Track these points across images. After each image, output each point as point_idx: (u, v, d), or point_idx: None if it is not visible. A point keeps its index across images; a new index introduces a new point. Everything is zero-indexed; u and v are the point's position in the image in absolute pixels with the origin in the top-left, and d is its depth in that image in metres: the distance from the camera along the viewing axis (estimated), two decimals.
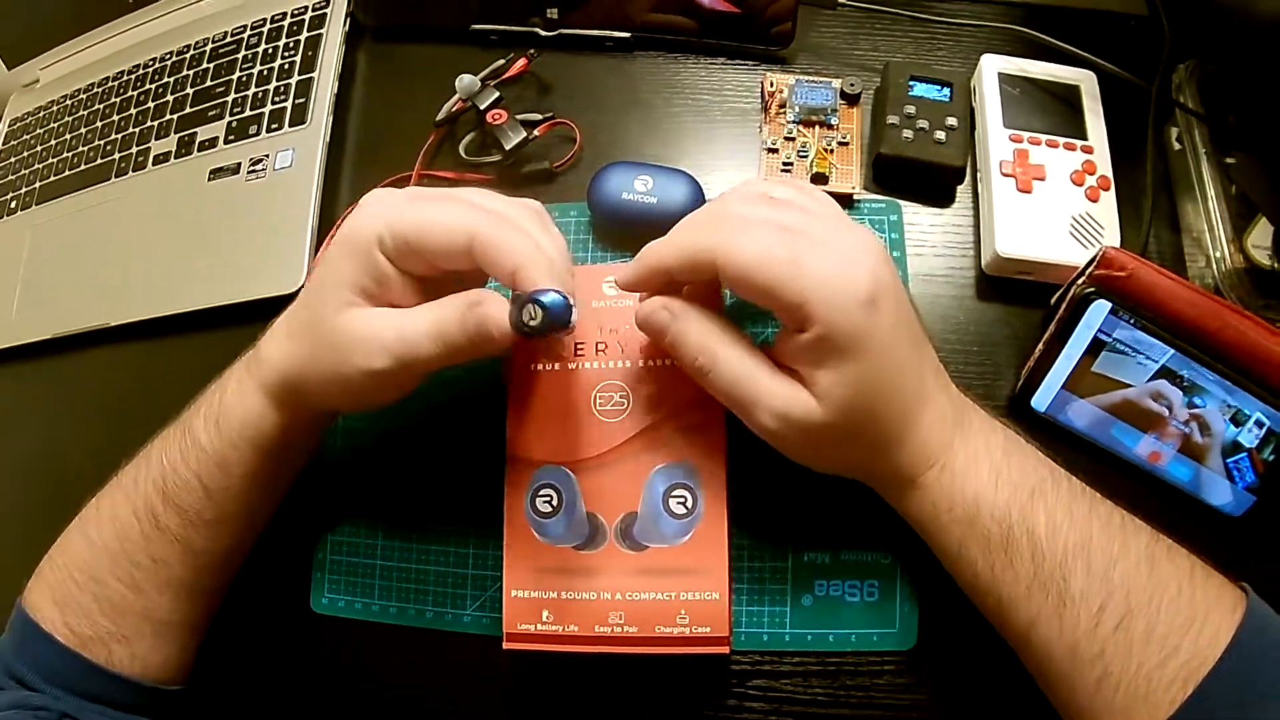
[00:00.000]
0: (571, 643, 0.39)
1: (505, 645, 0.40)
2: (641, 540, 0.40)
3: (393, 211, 0.36)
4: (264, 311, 0.51)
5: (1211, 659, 0.32)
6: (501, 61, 0.54)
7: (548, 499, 0.41)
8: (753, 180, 0.40)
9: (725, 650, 0.39)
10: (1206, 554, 0.36)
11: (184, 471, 0.40)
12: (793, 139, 0.50)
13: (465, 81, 0.51)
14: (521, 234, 0.35)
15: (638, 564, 0.39)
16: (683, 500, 0.40)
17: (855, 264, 0.34)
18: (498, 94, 0.52)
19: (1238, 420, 0.44)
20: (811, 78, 0.52)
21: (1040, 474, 0.37)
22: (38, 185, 0.64)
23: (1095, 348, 0.44)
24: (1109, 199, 0.48)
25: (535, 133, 0.51)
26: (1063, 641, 0.34)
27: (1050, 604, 0.34)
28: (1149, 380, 0.44)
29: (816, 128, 0.51)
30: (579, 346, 0.42)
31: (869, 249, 0.35)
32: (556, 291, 0.34)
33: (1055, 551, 0.34)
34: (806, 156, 0.50)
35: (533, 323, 0.34)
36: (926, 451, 0.37)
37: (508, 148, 0.50)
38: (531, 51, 0.54)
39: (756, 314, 0.46)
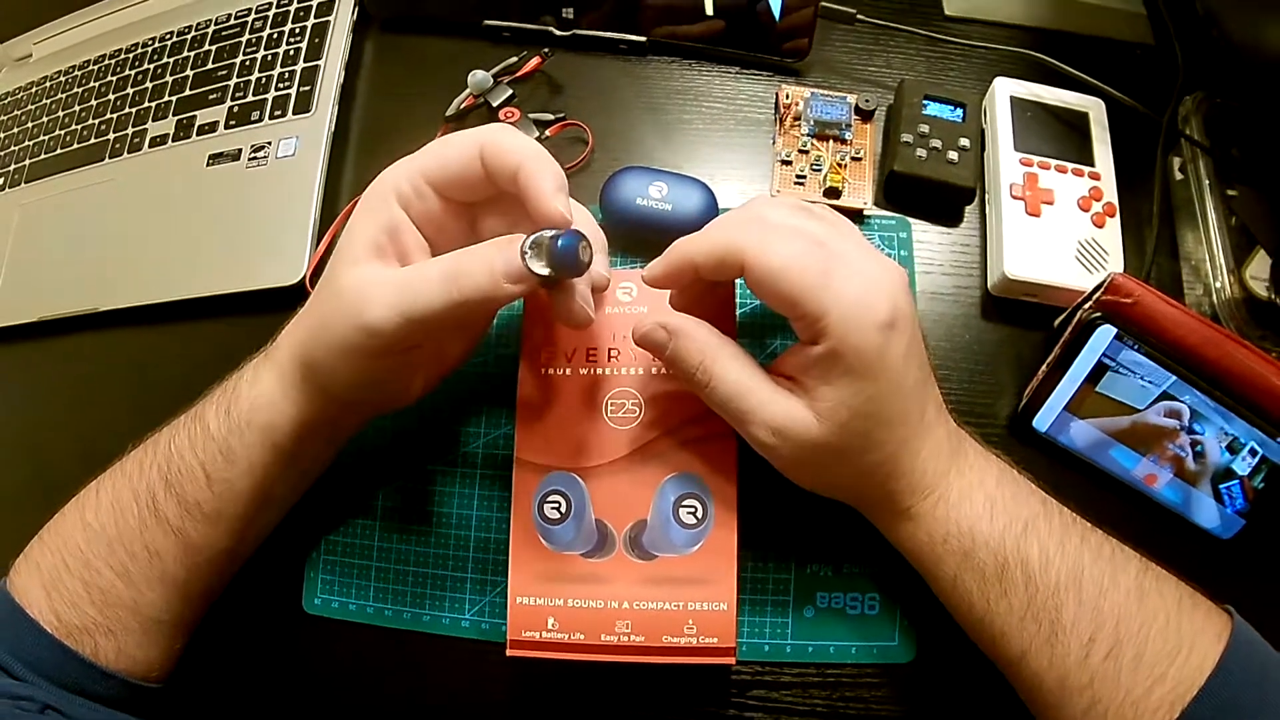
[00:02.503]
0: (577, 651, 0.39)
1: (509, 652, 0.39)
2: (650, 549, 0.39)
3: (408, 160, 0.37)
4: (260, 304, 0.50)
5: (1197, 685, 0.32)
6: (514, 59, 0.53)
7: (556, 505, 0.40)
8: (785, 197, 0.40)
9: (732, 661, 0.39)
10: (1195, 574, 0.37)
11: (189, 458, 0.39)
12: (806, 152, 0.50)
13: (478, 77, 0.51)
14: (527, 141, 0.36)
15: (646, 573, 0.39)
16: (693, 510, 0.40)
17: (880, 289, 0.34)
18: (511, 92, 0.51)
19: (1233, 448, 0.44)
20: (827, 91, 0.52)
21: (1033, 506, 0.37)
22: (27, 163, 0.62)
23: (1098, 371, 0.45)
24: (1114, 225, 0.49)
25: (547, 133, 0.51)
26: (1053, 672, 0.34)
27: (1042, 635, 0.35)
28: (1150, 405, 0.44)
29: (830, 142, 0.51)
30: (591, 352, 0.42)
31: (894, 278, 0.35)
32: (574, 233, 0.34)
33: (1048, 583, 0.35)
34: (820, 170, 0.50)
35: (548, 258, 0.34)
36: (923, 482, 0.37)
37: None
38: (545, 50, 0.53)
39: (769, 325, 0.46)
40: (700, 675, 0.44)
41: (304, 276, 0.50)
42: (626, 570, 0.39)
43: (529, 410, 0.42)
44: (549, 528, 0.40)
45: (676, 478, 0.40)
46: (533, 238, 0.34)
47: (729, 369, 0.36)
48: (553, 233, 0.34)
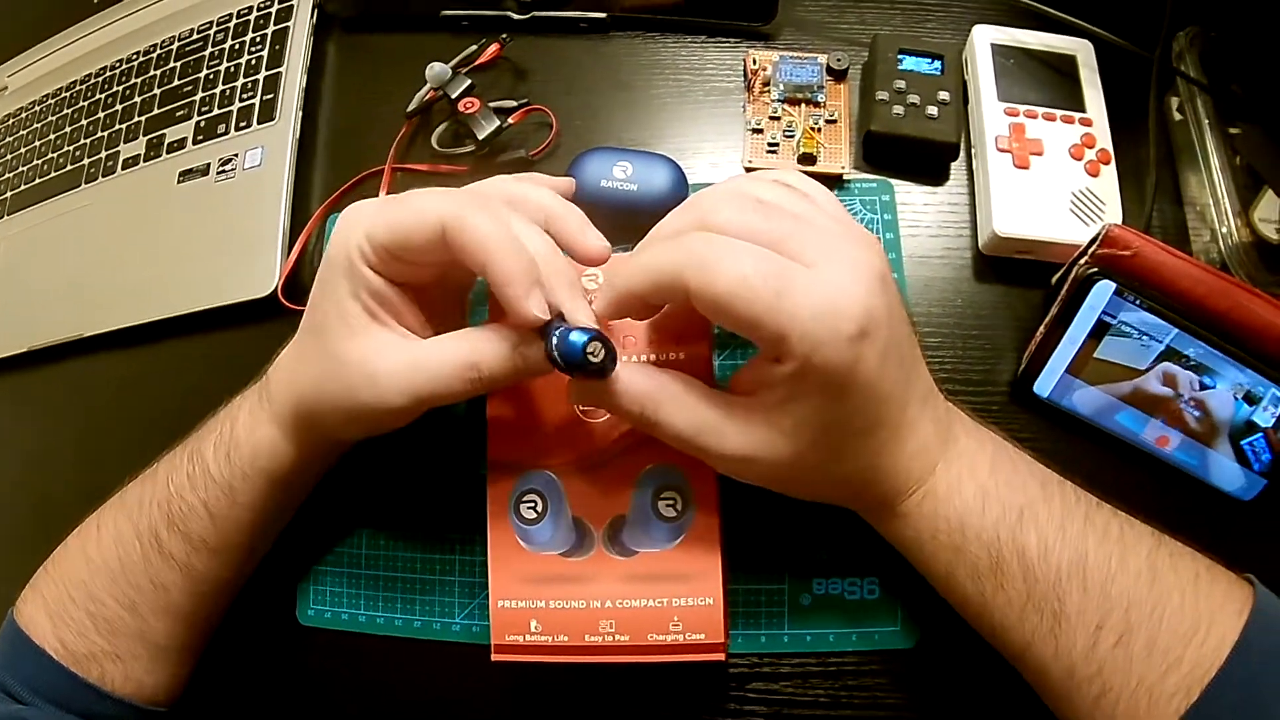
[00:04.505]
0: (562, 653, 0.38)
1: (494, 657, 0.38)
2: (630, 545, 0.38)
3: (366, 219, 0.34)
4: (239, 316, 0.50)
5: (1215, 666, 0.30)
6: (473, 48, 0.51)
7: (532, 505, 0.39)
8: (740, 177, 0.36)
9: (721, 657, 0.37)
10: (1216, 541, 0.35)
11: (191, 498, 0.39)
12: (778, 118, 0.48)
13: (436, 70, 0.49)
14: (494, 220, 0.32)
15: (627, 570, 0.38)
16: (672, 502, 0.38)
17: (845, 292, 0.30)
18: (469, 82, 0.50)
19: (1251, 399, 0.42)
20: (796, 54, 0.50)
21: (1030, 490, 0.35)
22: (9, 195, 0.62)
23: (1099, 330, 0.42)
24: (1110, 173, 0.47)
25: (510, 120, 0.49)
26: (1059, 662, 0.33)
27: (1045, 626, 0.33)
28: (1154, 361, 0.42)
29: (803, 106, 0.49)
30: None
31: (866, 268, 0.31)
32: (585, 330, 0.31)
33: (1049, 572, 0.33)
34: (793, 136, 0.48)
35: (570, 357, 0.31)
36: (908, 479, 0.35)
37: (481, 137, 0.49)
38: (504, 36, 0.52)
39: None
40: (697, 671, 0.42)
41: (275, 288, 0.49)
42: (607, 568, 0.38)
43: (500, 409, 0.40)
44: (526, 528, 0.39)
45: (654, 470, 0.39)
46: (555, 345, 0.32)
47: (674, 413, 0.33)
48: (560, 340, 0.32)
